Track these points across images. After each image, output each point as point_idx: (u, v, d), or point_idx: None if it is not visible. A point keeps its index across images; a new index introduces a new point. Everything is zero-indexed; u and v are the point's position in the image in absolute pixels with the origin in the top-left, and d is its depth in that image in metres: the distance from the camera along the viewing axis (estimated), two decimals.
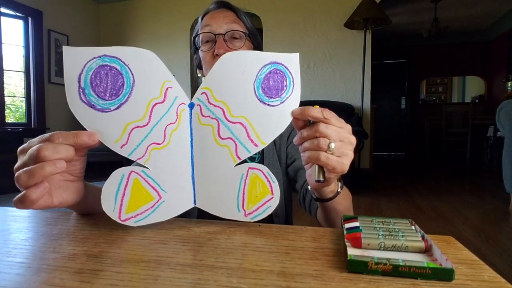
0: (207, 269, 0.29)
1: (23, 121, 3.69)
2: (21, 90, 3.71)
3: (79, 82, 0.34)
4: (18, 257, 0.31)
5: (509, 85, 5.57)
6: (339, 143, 0.39)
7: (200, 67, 0.76)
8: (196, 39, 0.73)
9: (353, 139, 0.41)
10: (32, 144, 0.35)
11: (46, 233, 0.39)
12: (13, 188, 0.33)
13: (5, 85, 3.45)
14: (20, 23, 3.66)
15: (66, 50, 0.34)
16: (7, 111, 3.53)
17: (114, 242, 0.35)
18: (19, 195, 0.33)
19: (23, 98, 3.68)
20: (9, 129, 3.20)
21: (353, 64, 3.55)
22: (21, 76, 3.67)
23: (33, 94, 3.68)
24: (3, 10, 3.44)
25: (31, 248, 0.34)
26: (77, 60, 0.34)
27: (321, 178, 0.41)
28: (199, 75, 0.79)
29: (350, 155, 0.41)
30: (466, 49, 6.48)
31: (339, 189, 0.49)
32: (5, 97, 3.46)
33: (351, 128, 0.42)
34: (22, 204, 0.33)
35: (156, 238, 0.37)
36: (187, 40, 4.07)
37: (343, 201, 0.51)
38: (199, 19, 0.74)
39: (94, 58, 0.34)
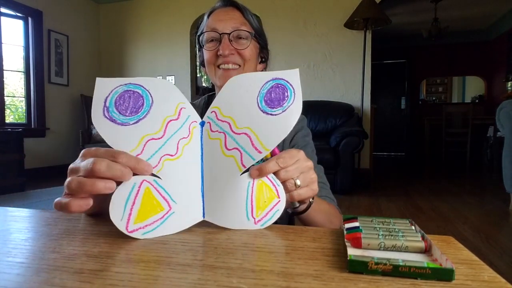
0: (207, 269, 0.29)
1: (23, 121, 3.69)
2: (20, 90, 3.71)
3: (105, 102, 0.37)
4: (18, 257, 0.31)
5: (509, 85, 5.57)
6: (302, 176, 0.43)
7: (204, 64, 0.75)
8: (200, 37, 0.72)
9: (310, 164, 0.44)
10: (97, 152, 0.37)
11: (46, 233, 0.38)
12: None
13: (5, 85, 3.45)
14: (20, 23, 3.66)
15: (98, 81, 0.38)
16: (7, 111, 3.53)
17: (114, 242, 0.35)
18: (64, 200, 0.35)
19: (23, 98, 3.68)
20: (9, 129, 3.19)
21: (353, 64, 3.55)
22: (21, 76, 3.67)
23: (33, 94, 3.68)
24: (3, 10, 3.45)
25: (31, 248, 0.34)
26: (106, 87, 0.38)
27: (297, 205, 0.48)
28: (202, 73, 0.78)
29: (315, 178, 0.45)
30: (466, 49, 6.48)
31: (310, 199, 0.50)
32: (5, 97, 3.47)
33: (304, 152, 0.45)
34: (61, 209, 0.35)
35: (156, 238, 0.37)
36: (187, 40, 4.07)
37: (319, 210, 0.53)
38: (205, 17, 0.72)
39: (121, 85, 0.38)
